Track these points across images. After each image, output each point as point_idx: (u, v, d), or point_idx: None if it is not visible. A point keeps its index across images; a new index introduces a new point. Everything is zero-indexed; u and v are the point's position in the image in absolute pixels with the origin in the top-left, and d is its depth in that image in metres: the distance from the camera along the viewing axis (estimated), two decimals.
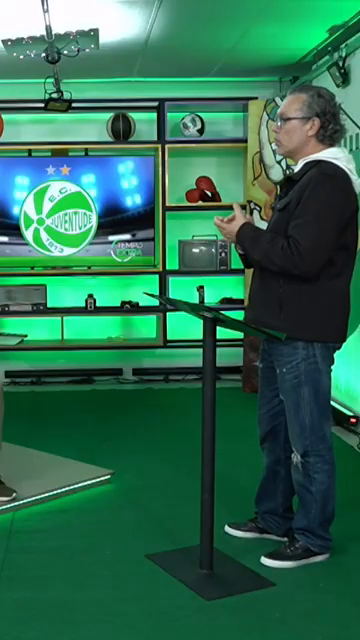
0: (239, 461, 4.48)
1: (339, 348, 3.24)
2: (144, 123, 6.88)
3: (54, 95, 5.78)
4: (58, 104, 5.84)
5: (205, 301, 6.73)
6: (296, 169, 3.16)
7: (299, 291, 3.07)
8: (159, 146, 6.70)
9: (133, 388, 6.82)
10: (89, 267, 6.79)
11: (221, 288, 6.85)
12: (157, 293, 6.67)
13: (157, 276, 6.80)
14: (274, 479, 3.44)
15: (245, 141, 6.59)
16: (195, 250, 6.74)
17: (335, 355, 3.24)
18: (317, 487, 3.22)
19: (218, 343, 3.15)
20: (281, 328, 3.03)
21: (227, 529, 3.58)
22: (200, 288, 6.79)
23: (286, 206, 3.09)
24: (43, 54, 4.83)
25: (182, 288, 6.80)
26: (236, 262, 5.82)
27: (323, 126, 3.06)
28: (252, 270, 3.34)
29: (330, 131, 3.06)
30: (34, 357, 6.94)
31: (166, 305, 6.56)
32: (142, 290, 4.80)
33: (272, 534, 3.50)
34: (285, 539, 3.39)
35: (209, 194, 6.81)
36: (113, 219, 6.74)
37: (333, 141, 3.10)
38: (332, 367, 3.24)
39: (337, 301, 3.13)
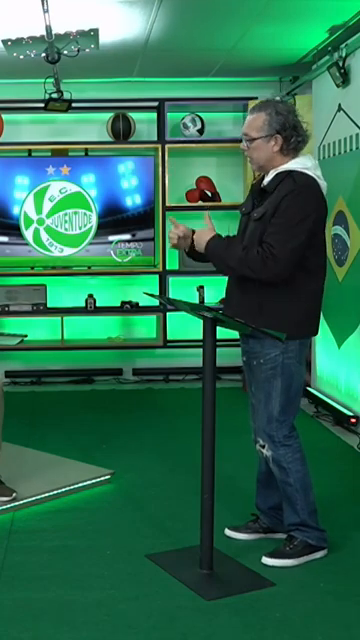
0: (239, 461, 4.48)
1: (309, 344, 3.46)
2: (144, 123, 6.88)
3: (54, 95, 5.78)
4: (58, 104, 5.84)
5: (205, 301, 6.73)
6: (267, 179, 3.32)
7: (277, 293, 3.22)
8: (159, 146, 6.70)
9: (133, 388, 6.81)
10: (89, 267, 6.79)
11: (221, 288, 6.77)
12: (157, 293, 6.67)
13: (157, 276, 6.81)
14: None
15: None
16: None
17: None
18: (294, 476, 3.29)
19: (218, 343, 3.17)
20: (262, 326, 3.13)
21: (228, 532, 3.57)
22: (200, 288, 6.79)
23: (262, 217, 3.24)
24: (43, 54, 4.84)
25: (182, 288, 6.80)
26: None
27: (286, 140, 3.24)
28: None
29: (293, 144, 3.26)
30: (34, 357, 6.94)
31: (166, 305, 6.56)
32: (142, 290, 4.80)
33: (279, 532, 3.49)
34: None
35: (209, 194, 6.81)
36: (113, 219, 6.74)
37: (297, 151, 3.29)
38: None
39: (313, 301, 3.30)
